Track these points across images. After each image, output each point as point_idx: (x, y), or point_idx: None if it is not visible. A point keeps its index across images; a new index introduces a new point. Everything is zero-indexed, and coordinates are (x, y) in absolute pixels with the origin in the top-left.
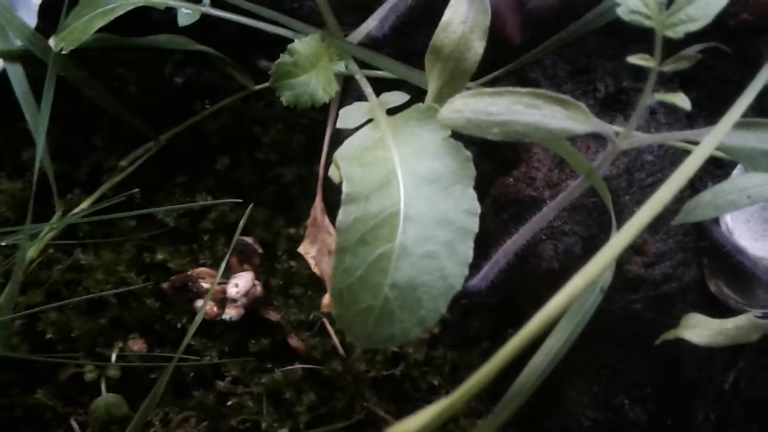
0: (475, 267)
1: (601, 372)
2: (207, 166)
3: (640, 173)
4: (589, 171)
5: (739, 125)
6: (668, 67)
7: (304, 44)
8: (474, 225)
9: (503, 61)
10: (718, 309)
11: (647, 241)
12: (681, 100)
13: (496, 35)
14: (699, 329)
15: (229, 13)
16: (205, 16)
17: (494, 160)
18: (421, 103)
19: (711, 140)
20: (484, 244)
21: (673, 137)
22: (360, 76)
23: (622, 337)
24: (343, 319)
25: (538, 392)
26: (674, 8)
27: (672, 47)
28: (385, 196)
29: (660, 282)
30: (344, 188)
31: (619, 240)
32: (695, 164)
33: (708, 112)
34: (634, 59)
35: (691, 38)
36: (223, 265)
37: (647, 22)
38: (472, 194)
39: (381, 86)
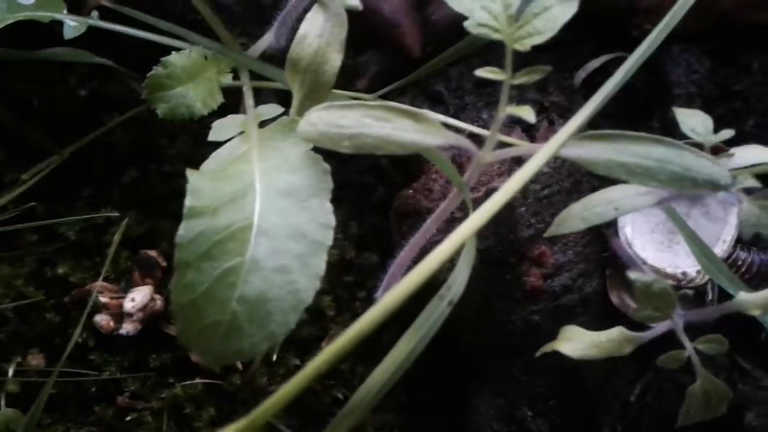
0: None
1: (505, 384)
2: (113, 179)
3: (535, 185)
4: (460, 184)
5: (596, 137)
6: (519, 80)
7: (182, 56)
8: (328, 238)
9: (406, 73)
10: (621, 320)
11: (545, 252)
12: (526, 113)
13: (396, 47)
14: (574, 342)
15: (120, 25)
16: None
17: (403, 171)
18: (286, 116)
19: (543, 153)
20: (391, 256)
21: (523, 150)
22: (247, 89)
23: (523, 349)
24: (186, 335)
25: (451, 404)
26: (522, 21)
27: (581, 59)
28: (238, 209)
29: (559, 293)
30: (187, 202)
31: (443, 249)
32: (524, 177)
33: (615, 121)
34: (482, 72)
35: (600, 49)
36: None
37: (495, 35)
38: (329, 207)
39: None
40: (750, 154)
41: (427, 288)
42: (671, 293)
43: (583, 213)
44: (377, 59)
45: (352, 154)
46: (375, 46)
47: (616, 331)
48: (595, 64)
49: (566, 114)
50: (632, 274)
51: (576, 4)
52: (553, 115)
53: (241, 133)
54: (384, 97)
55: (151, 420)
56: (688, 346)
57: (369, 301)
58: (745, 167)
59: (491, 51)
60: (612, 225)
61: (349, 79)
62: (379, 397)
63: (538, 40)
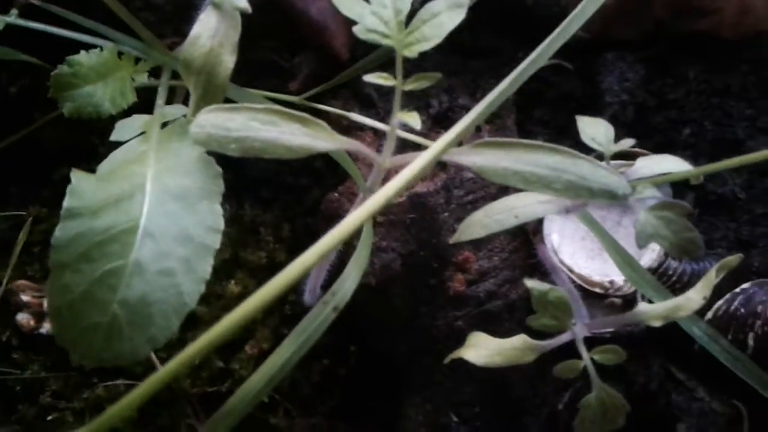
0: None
1: (432, 390)
2: (44, 177)
3: (459, 190)
4: (365, 189)
5: (491, 145)
6: (410, 86)
7: (91, 55)
8: (215, 241)
9: (334, 76)
10: None
11: (470, 258)
12: (413, 119)
13: (324, 50)
14: (478, 349)
15: (41, 24)
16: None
17: (337, 173)
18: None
19: (418, 162)
20: None
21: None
22: (162, 88)
23: (448, 354)
24: (64, 336)
25: (382, 409)
26: (411, 28)
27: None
28: (123, 211)
29: (484, 299)
30: (65, 203)
31: (308, 256)
32: (397, 185)
33: (552, 128)
34: (371, 78)
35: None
36: None
37: (385, 41)
38: (218, 210)
39: None
40: (654, 164)
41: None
42: (567, 302)
43: (484, 220)
44: (309, 61)
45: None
46: (307, 48)
47: (520, 339)
48: (530, 70)
49: (494, 120)
50: (528, 282)
51: (464, 11)
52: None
53: (142, 133)
54: (316, 99)
55: (72, 420)
56: (585, 356)
57: (298, 305)
58: (647, 177)
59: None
60: (539, 232)
61: (281, 81)
62: (255, 403)
63: (426, 46)
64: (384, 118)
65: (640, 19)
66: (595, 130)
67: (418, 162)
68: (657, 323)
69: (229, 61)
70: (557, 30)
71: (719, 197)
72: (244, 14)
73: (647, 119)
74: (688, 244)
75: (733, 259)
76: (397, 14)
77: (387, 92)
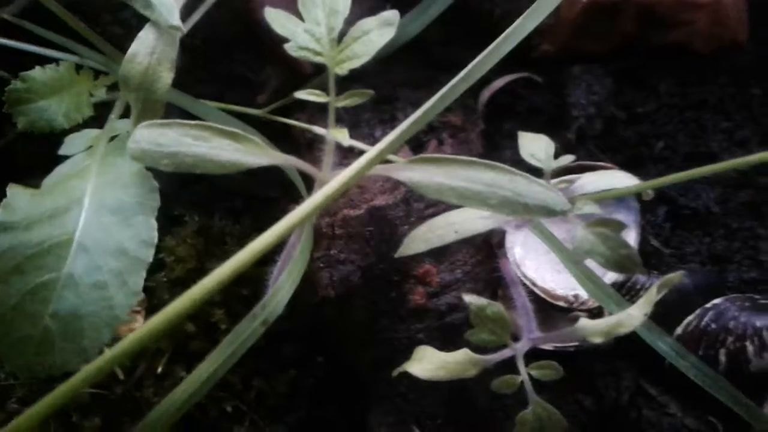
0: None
1: (394, 402)
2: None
3: (418, 203)
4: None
5: (427, 161)
6: (342, 103)
7: (45, 71)
8: (149, 255)
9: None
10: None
11: (430, 270)
12: (342, 136)
13: (287, 64)
14: (423, 362)
15: (10, 40)
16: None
17: (307, 185)
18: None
19: (340, 179)
20: None
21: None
22: (119, 103)
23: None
24: None
25: (346, 420)
26: (342, 45)
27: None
28: (58, 225)
29: (445, 312)
30: None
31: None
32: (315, 202)
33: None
34: (301, 94)
35: (503, 69)
36: None
37: (317, 59)
38: (153, 224)
39: None
40: (598, 180)
41: None
42: (505, 317)
43: (426, 235)
44: (277, 75)
45: (265, 168)
46: (273, 62)
47: (462, 353)
48: (499, 83)
49: (459, 134)
50: (465, 297)
51: (393, 30)
52: (444, 134)
53: (89, 147)
54: (283, 112)
55: (37, 427)
56: (523, 372)
57: None
58: (589, 193)
59: (391, 66)
60: (503, 245)
61: (249, 94)
62: (177, 417)
63: (356, 63)
64: (350, 130)
65: (607, 32)
66: (535, 146)
67: (340, 178)
68: (598, 339)
69: (166, 77)
70: (489, 48)
71: (693, 211)
72: (214, 28)
73: (617, 133)
74: (624, 260)
75: (676, 276)
76: (329, 32)
77: (354, 105)
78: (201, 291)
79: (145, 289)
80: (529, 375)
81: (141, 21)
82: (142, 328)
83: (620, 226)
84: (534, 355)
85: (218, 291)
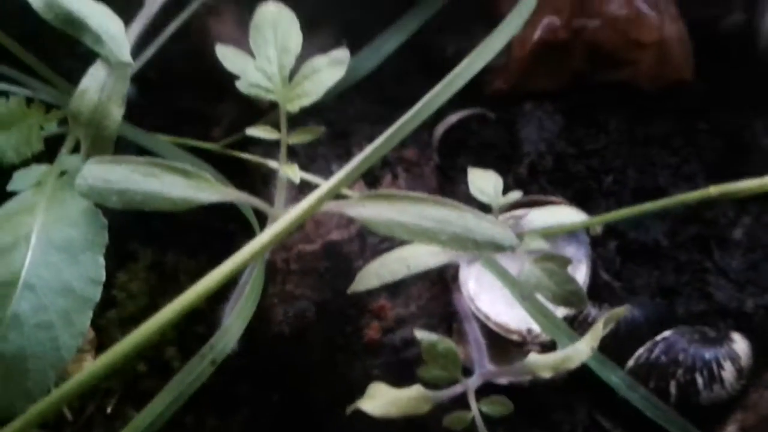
0: None
1: None
2: None
3: (373, 238)
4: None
5: (378, 197)
6: (294, 139)
7: None
8: (96, 294)
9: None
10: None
11: (385, 305)
12: (293, 172)
13: (243, 98)
14: (375, 399)
15: None
16: None
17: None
18: None
19: (291, 215)
20: None
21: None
22: (71, 137)
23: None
24: None
25: None
26: (294, 83)
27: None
28: (4, 264)
29: (400, 347)
30: None
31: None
32: (266, 239)
33: None
34: (253, 131)
35: (459, 105)
36: None
37: (269, 96)
38: (101, 262)
39: None
40: (547, 216)
41: None
42: (455, 353)
43: (379, 270)
44: (234, 109)
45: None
46: (231, 95)
47: (415, 390)
48: (452, 119)
49: (413, 168)
50: (417, 332)
51: (343, 68)
52: (398, 169)
53: (38, 183)
54: (239, 146)
55: None
56: (474, 407)
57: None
58: (537, 229)
59: (347, 101)
60: (457, 279)
61: (206, 128)
62: None
63: (307, 101)
64: (304, 166)
65: (557, 70)
66: (484, 182)
67: (291, 215)
68: (547, 374)
69: (117, 113)
70: (444, 81)
71: (642, 245)
72: (169, 63)
73: (567, 168)
74: (571, 295)
75: (621, 310)
76: (281, 69)
77: (311, 141)
78: (151, 328)
79: (96, 327)
80: (481, 411)
81: (97, 55)
82: (90, 366)
83: (566, 262)
84: (489, 390)
85: (171, 328)
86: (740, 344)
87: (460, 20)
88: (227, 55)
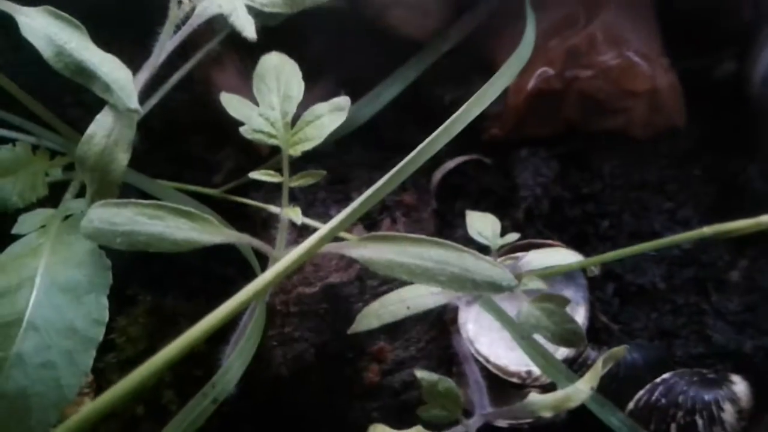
0: None
1: None
2: None
3: (372, 281)
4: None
5: (378, 239)
6: (296, 183)
7: (3, 151)
8: (99, 334)
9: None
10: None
11: (384, 348)
12: (295, 215)
13: (244, 145)
14: None
15: None
16: None
17: (263, 265)
18: None
19: (292, 256)
20: None
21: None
22: (75, 183)
23: None
24: None
25: None
26: (296, 129)
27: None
28: (8, 304)
29: (400, 390)
30: None
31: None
32: (267, 278)
33: None
34: (257, 175)
35: (456, 150)
36: None
37: (272, 141)
38: (104, 303)
39: None
40: (543, 257)
41: None
42: (457, 393)
43: (379, 311)
44: (234, 155)
45: (218, 245)
46: (232, 142)
47: (415, 431)
48: (450, 164)
49: (411, 212)
50: (417, 372)
51: (344, 115)
52: (397, 213)
53: (43, 227)
54: (239, 191)
55: None
56: None
57: None
58: (535, 269)
59: (346, 147)
60: (456, 321)
61: (207, 174)
62: None
63: (309, 146)
64: (304, 210)
65: (552, 118)
66: (482, 224)
67: (292, 255)
68: (547, 414)
69: (122, 158)
70: (441, 128)
71: (640, 288)
72: (172, 111)
73: (564, 212)
74: (570, 334)
75: (621, 350)
76: (284, 116)
77: (309, 185)
78: (150, 369)
79: (95, 371)
80: None
81: (102, 104)
82: (88, 408)
83: (565, 302)
84: None
85: (169, 371)
86: (740, 386)
87: (456, 71)
88: (232, 103)
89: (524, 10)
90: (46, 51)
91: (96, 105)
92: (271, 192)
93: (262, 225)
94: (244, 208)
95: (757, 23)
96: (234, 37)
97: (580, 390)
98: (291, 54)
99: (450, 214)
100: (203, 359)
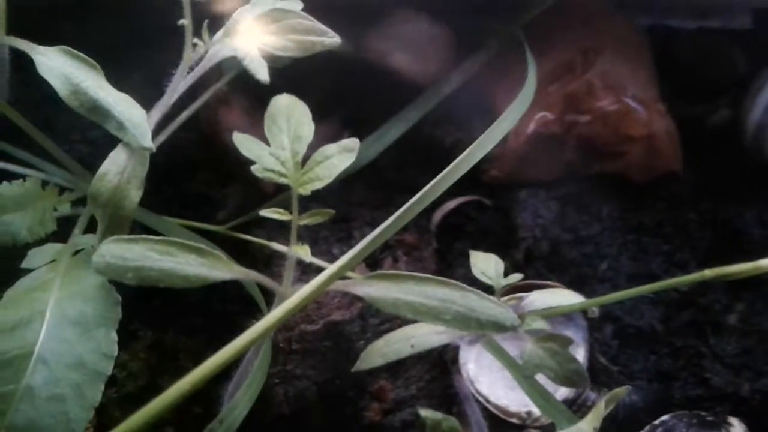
0: None
1: None
2: None
3: (374, 319)
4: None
5: (384, 277)
6: (304, 221)
7: (13, 186)
8: (108, 368)
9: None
10: None
11: (385, 387)
12: (305, 253)
13: (249, 183)
14: None
15: None
16: None
17: (267, 301)
18: None
19: (300, 295)
20: None
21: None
22: (83, 218)
23: None
24: None
25: None
26: (306, 168)
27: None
28: (19, 337)
29: (400, 429)
30: None
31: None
32: (277, 316)
33: None
34: (267, 212)
35: (456, 191)
36: None
37: (282, 180)
38: (113, 337)
39: None
40: (546, 297)
41: None
42: (460, 431)
43: (383, 349)
44: (239, 193)
45: (222, 282)
46: (236, 181)
47: None
48: (450, 205)
49: (413, 252)
50: (421, 411)
51: (353, 155)
52: (399, 252)
53: (53, 261)
54: (243, 228)
55: None
56: None
57: None
58: (537, 310)
59: (349, 187)
60: (457, 361)
61: (211, 211)
62: None
63: (319, 185)
64: (309, 247)
65: (551, 161)
66: (485, 264)
67: (301, 293)
68: None
69: (135, 195)
70: (444, 171)
71: (638, 330)
72: (179, 149)
73: (563, 254)
74: (573, 374)
75: (623, 390)
76: (294, 156)
77: (314, 224)
78: (157, 407)
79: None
80: None
81: (109, 140)
82: None
83: (568, 342)
84: None
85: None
86: (738, 428)
87: (457, 114)
88: (244, 143)
89: (524, 56)
90: (62, 90)
91: (103, 142)
92: (275, 230)
93: (264, 262)
94: (247, 246)
95: (751, 72)
96: (241, 78)
97: (582, 431)
98: (296, 94)
99: (450, 254)
100: (203, 396)
